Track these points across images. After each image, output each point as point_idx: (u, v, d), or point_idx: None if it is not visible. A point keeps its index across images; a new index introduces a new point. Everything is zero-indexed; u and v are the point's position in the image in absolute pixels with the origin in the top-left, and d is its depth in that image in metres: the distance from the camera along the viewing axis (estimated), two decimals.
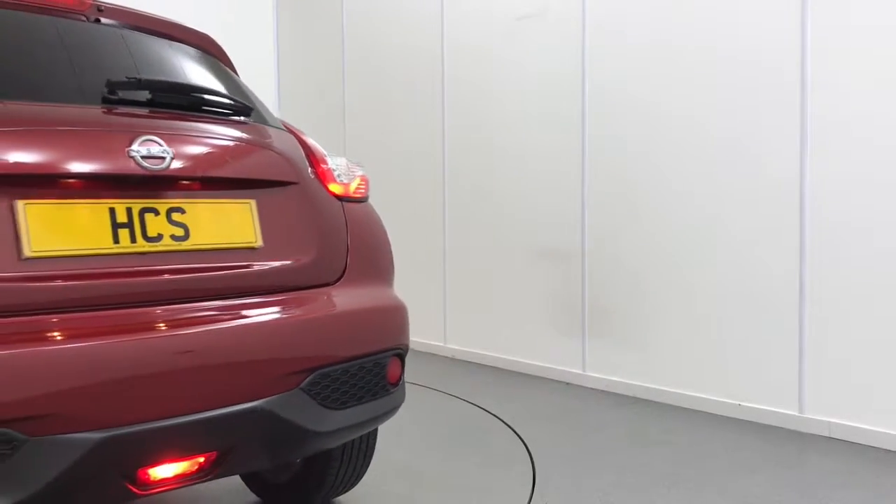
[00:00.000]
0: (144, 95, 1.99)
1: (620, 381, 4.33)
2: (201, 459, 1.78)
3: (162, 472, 1.71)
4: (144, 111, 1.98)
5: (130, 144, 1.80)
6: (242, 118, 2.24)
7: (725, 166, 3.84)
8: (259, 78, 2.89)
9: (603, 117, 4.41)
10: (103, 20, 2.21)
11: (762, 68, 3.69)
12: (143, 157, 1.80)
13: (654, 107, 4.14)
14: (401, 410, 2.38)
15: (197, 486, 1.90)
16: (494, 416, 3.91)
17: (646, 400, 4.16)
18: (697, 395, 3.97)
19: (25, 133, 1.70)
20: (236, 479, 2.87)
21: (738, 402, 3.81)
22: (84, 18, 2.16)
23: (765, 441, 3.47)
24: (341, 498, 2.87)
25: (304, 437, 1.96)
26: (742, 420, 3.76)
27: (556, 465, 3.21)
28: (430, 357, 5.30)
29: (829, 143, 3.49)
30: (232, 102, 2.22)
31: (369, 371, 2.13)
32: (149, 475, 1.68)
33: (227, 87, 2.36)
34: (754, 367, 3.76)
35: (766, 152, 3.69)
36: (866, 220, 3.38)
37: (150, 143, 1.83)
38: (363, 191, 2.44)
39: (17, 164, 1.65)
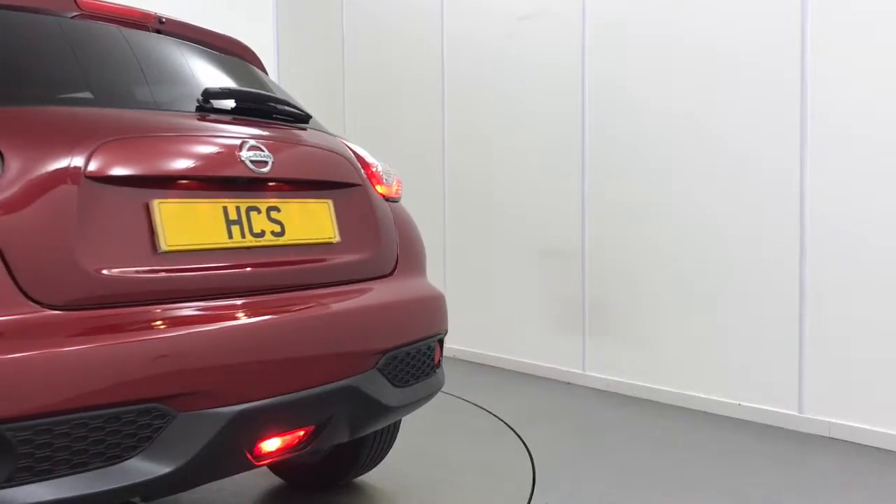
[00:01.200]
0: (231, 104, 2.30)
1: (621, 381, 4.57)
2: (301, 433, 2.10)
3: (272, 444, 2.02)
4: (231, 118, 2.29)
5: (241, 150, 2.12)
6: (305, 125, 2.55)
7: (725, 165, 4.06)
8: None
9: (603, 116, 4.63)
10: (163, 32, 2.49)
11: (762, 66, 3.89)
12: (251, 161, 2.11)
13: (654, 105, 4.36)
14: None
15: None
16: (495, 416, 4.10)
17: (646, 400, 4.38)
18: (697, 394, 4.20)
19: (156, 138, 1.99)
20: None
21: (738, 402, 4.04)
22: (147, 30, 2.43)
23: (764, 441, 3.66)
24: (362, 478, 3.13)
25: (381, 411, 2.31)
26: (742, 420, 3.98)
27: (556, 464, 3.38)
28: None
29: (829, 141, 3.67)
30: (298, 111, 2.54)
31: (423, 353, 2.50)
32: (261, 448, 1.98)
33: (285, 95, 2.67)
34: (754, 367, 3.98)
35: (767, 150, 3.89)
36: (866, 219, 3.56)
37: (255, 148, 2.15)
38: (400, 192, 2.79)
39: (152, 165, 1.94)
